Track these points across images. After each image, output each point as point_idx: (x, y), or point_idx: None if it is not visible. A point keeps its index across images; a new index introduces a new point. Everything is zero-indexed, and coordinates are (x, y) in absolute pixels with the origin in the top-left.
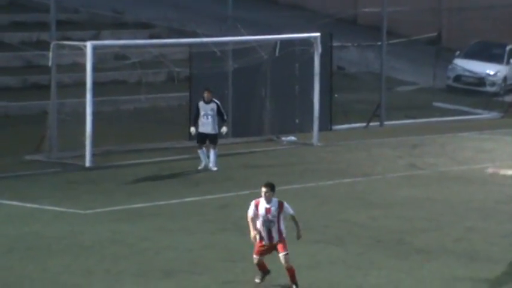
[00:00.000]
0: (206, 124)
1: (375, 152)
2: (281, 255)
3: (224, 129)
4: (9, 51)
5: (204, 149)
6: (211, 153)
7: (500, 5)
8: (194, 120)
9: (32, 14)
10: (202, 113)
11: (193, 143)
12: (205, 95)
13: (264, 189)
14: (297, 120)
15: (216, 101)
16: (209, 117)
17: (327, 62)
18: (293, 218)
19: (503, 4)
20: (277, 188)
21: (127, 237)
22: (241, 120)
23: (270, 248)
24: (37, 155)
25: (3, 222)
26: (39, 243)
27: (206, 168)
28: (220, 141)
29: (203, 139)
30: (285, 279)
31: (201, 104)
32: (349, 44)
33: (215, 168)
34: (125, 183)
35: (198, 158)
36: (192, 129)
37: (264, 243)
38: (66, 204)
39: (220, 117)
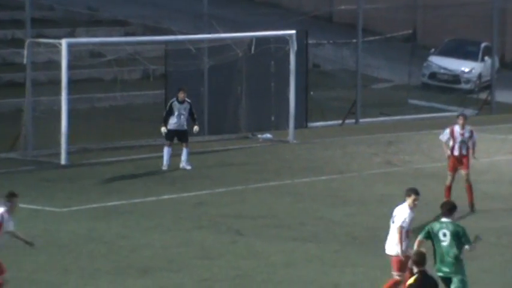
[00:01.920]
0: (177, 122)
1: (350, 150)
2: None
3: (196, 128)
4: None
5: (170, 148)
6: (184, 151)
7: (475, 3)
8: (165, 119)
9: (7, 12)
10: (176, 112)
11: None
12: (181, 94)
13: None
14: (272, 118)
15: (189, 100)
16: (182, 116)
17: (303, 60)
18: None
19: (478, 1)
20: (253, 186)
21: (103, 235)
22: (217, 118)
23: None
24: (12, 153)
25: None
26: (15, 242)
27: (169, 169)
28: (196, 138)
29: (172, 136)
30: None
31: (175, 103)
32: (325, 42)
33: (189, 167)
34: (100, 181)
35: (173, 156)
36: (163, 128)
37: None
38: (42, 202)
39: (191, 117)
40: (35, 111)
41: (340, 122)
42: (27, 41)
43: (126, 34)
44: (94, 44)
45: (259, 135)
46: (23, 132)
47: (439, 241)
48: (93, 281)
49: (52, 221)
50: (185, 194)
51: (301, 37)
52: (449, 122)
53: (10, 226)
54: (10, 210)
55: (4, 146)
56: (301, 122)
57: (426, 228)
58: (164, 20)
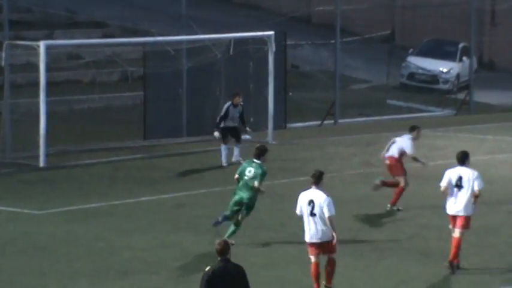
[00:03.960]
0: (231, 123)
1: (329, 150)
2: None
3: (247, 130)
4: None
5: (226, 145)
6: (236, 147)
7: (453, 3)
8: (219, 123)
9: None
10: (230, 115)
11: (148, 142)
12: (237, 99)
13: None
14: (251, 119)
15: (242, 103)
16: (235, 119)
17: (281, 61)
18: None
19: (456, 2)
20: (232, 187)
21: (82, 237)
22: (196, 119)
23: None
24: None
25: None
26: None
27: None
28: (174, 140)
29: (226, 134)
30: None
31: (231, 108)
32: (303, 43)
33: (242, 161)
34: (79, 183)
35: (152, 157)
36: (216, 133)
37: None
38: (20, 204)
39: (241, 120)
40: (13, 114)
41: (319, 122)
42: (5, 43)
43: (104, 36)
44: (72, 46)
45: None
46: (1, 134)
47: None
48: (72, 283)
49: (30, 223)
50: (164, 196)
51: (280, 38)
52: (428, 123)
53: None
54: None
55: None
56: (280, 122)
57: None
58: (142, 21)
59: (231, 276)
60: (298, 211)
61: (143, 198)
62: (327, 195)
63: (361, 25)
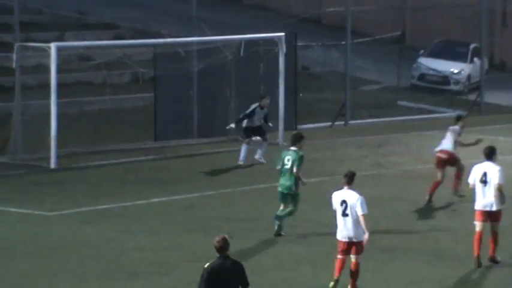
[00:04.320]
0: (255, 123)
1: (340, 151)
2: None
3: (270, 124)
4: None
5: (249, 145)
6: (263, 145)
7: (464, 4)
8: (241, 120)
9: None
10: (256, 117)
11: (159, 144)
12: (265, 101)
13: None
14: (262, 120)
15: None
16: (261, 120)
17: (292, 62)
18: None
19: (466, 3)
20: (242, 188)
21: (92, 238)
22: (206, 121)
23: None
24: (1, 157)
25: None
26: (4, 246)
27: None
28: (185, 141)
29: (250, 133)
30: None
31: (258, 109)
32: (314, 44)
33: (263, 161)
34: (90, 184)
35: (162, 159)
36: (233, 125)
37: None
38: (31, 206)
39: (264, 120)
40: (24, 115)
41: (329, 124)
42: (16, 45)
43: (115, 37)
44: (83, 47)
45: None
46: (13, 136)
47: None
48: (83, 284)
49: (41, 224)
50: (175, 197)
51: (290, 39)
52: (439, 124)
53: None
54: None
55: None
56: (291, 124)
57: None
58: (153, 23)
59: (229, 272)
60: (333, 208)
61: (154, 200)
62: (359, 195)
63: (372, 26)
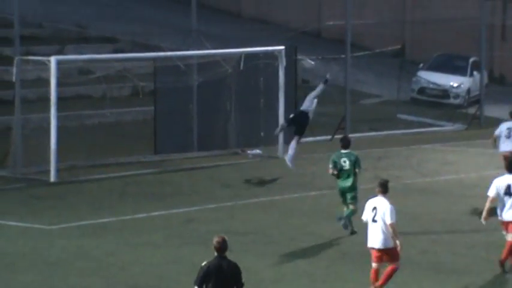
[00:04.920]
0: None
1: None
2: None
3: (283, 123)
4: None
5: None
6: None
7: (463, 18)
8: (288, 122)
9: None
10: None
11: (159, 157)
12: None
13: None
14: (262, 133)
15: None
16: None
17: (292, 75)
18: None
19: (466, 17)
20: (243, 202)
21: (92, 252)
22: (206, 134)
23: None
24: (1, 170)
25: None
26: (3, 260)
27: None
28: (185, 154)
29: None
30: None
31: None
32: (314, 57)
33: (288, 164)
34: (90, 198)
35: (162, 172)
36: (284, 123)
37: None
38: (31, 219)
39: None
40: (24, 129)
41: (329, 137)
42: (16, 59)
43: (115, 51)
44: (83, 61)
45: (248, 151)
46: (12, 149)
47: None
48: None
49: (41, 238)
50: (174, 211)
51: (290, 53)
52: (438, 137)
53: None
54: None
55: None
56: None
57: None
58: (153, 36)
59: (225, 272)
60: (363, 217)
61: (154, 213)
62: (390, 204)
63: (372, 40)
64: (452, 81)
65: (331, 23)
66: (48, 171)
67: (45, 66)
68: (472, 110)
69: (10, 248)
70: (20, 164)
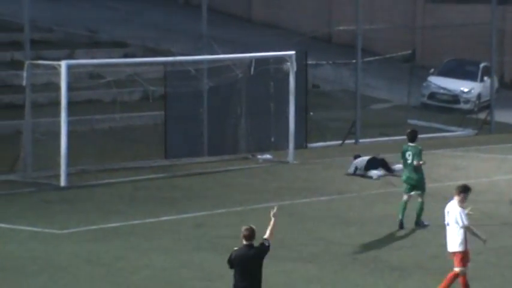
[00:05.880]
0: None
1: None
2: None
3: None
4: None
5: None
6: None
7: (473, 23)
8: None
9: (6, 34)
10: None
11: (169, 162)
12: None
13: None
14: (272, 138)
15: None
16: None
17: (302, 80)
18: None
19: (477, 22)
20: (253, 207)
21: (102, 256)
22: (217, 139)
23: None
24: (12, 175)
25: None
26: (14, 264)
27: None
28: (195, 159)
29: None
30: None
31: None
32: (324, 62)
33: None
34: (100, 202)
35: (173, 177)
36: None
37: None
38: (41, 224)
39: None
40: (34, 133)
41: (339, 142)
42: (27, 63)
43: (126, 55)
44: (93, 65)
45: (258, 156)
46: (23, 154)
47: None
48: None
49: (51, 242)
50: (184, 215)
51: (301, 58)
52: (449, 142)
53: None
54: None
55: (4, 167)
56: (301, 142)
57: None
58: (163, 41)
59: (249, 258)
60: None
61: (164, 218)
62: (460, 206)
63: (382, 45)
64: (463, 87)
65: (341, 28)
66: (58, 176)
67: (56, 70)
68: (482, 115)
69: (21, 252)
70: (30, 168)
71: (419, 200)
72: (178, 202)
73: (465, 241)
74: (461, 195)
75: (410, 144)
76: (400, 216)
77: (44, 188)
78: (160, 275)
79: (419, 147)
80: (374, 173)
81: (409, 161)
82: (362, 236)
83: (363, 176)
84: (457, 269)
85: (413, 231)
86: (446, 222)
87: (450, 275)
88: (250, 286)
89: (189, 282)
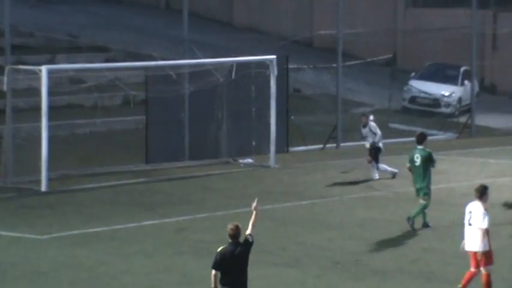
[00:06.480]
0: (367, 144)
1: (331, 174)
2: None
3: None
4: None
5: (370, 163)
6: (373, 166)
7: (454, 27)
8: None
9: None
10: (363, 136)
11: (150, 166)
12: (363, 119)
13: None
14: (253, 143)
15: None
16: (367, 139)
17: (283, 84)
18: None
19: (457, 26)
20: (234, 211)
21: (84, 261)
22: (198, 143)
23: None
24: None
25: None
26: None
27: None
28: (177, 164)
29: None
30: None
31: (361, 128)
32: (305, 66)
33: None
34: (81, 207)
35: (154, 181)
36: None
37: None
38: (22, 229)
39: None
40: (15, 138)
41: (321, 146)
42: (7, 68)
43: (107, 60)
44: (74, 70)
45: (240, 160)
46: (3, 159)
47: None
48: None
49: (32, 248)
50: (166, 220)
51: (282, 62)
52: (430, 146)
53: None
54: None
55: None
56: (282, 146)
57: None
58: (144, 45)
59: (237, 256)
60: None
61: (145, 223)
62: (485, 209)
63: (363, 49)
64: (444, 90)
65: (322, 32)
66: (39, 181)
67: (37, 75)
68: (463, 119)
69: (1, 258)
70: (11, 173)
71: (423, 202)
72: (160, 207)
73: (488, 241)
74: (483, 197)
75: (419, 147)
76: (422, 220)
77: (24, 193)
78: (142, 280)
79: (428, 150)
80: (376, 174)
81: (417, 164)
82: (344, 240)
83: (375, 166)
84: (483, 270)
85: (394, 235)
86: (467, 222)
87: (468, 274)
88: (246, 281)
89: (171, 286)
